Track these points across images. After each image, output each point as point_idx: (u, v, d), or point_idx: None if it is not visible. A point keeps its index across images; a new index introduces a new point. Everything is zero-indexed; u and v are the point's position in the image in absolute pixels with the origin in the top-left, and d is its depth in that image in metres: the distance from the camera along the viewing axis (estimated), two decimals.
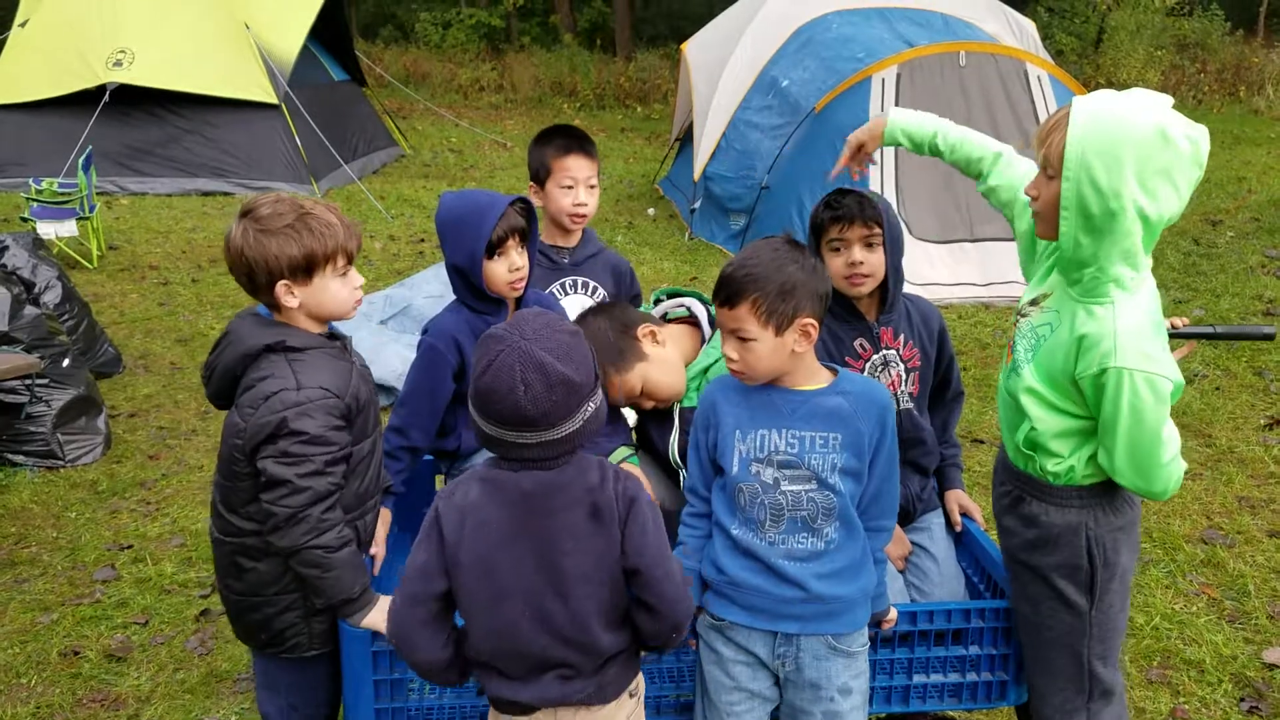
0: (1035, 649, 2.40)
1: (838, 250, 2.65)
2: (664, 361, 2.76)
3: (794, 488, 2.14)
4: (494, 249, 2.66)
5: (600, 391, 1.93)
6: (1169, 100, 2.07)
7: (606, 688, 2.00)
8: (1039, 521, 2.30)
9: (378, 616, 2.24)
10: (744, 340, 2.12)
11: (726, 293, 2.13)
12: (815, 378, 2.19)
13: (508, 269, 2.70)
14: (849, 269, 2.63)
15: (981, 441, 5.15)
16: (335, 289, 2.27)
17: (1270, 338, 2.45)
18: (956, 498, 2.90)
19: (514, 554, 1.89)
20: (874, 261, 2.66)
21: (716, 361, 2.65)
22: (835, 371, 2.21)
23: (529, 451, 1.87)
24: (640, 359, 2.74)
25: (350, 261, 2.29)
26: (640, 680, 2.11)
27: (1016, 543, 2.37)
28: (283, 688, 2.43)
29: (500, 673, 1.96)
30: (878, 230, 2.64)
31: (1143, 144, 1.99)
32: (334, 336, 2.37)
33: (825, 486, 2.13)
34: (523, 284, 2.77)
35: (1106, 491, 2.25)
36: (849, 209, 2.64)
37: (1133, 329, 2.07)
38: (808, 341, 2.13)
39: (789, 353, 2.12)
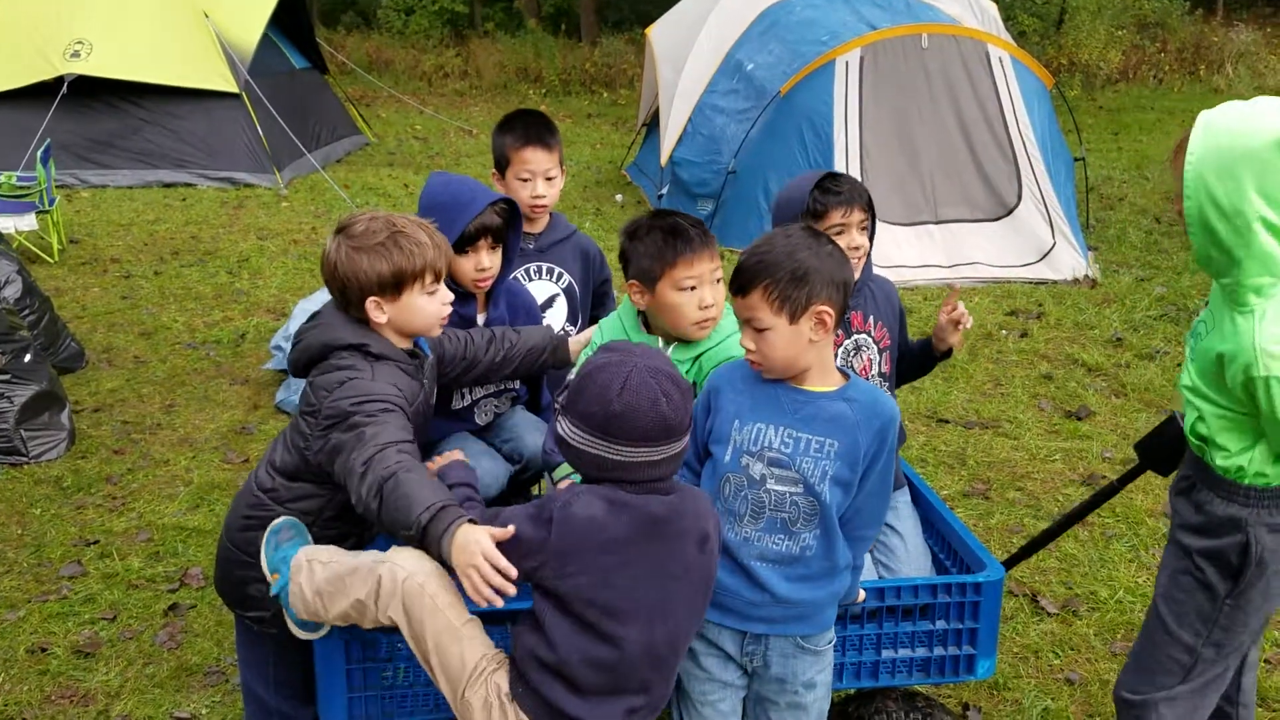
0: (1156, 617, 2.39)
1: (840, 234, 2.64)
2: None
3: (779, 488, 2.12)
4: (464, 245, 2.66)
5: None
6: None
7: None
8: (1204, 509, 2.27)
9: (466, 538, 1.92)
10: (759, 330, 2.10)
11: (740, 281, 2.11)
12: (826, 379, 2.17)
13: (474, 267, 2.70)
14: (850, 253, 2.61)
15: (946, 421, 5.20)
16: (422, 305, 2.33)
17: None
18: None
19: (632, 575, 1.93)
20: (866, 245, 2.73)
21: (706, 351, 2.61)
22: (847, 377, 2.19)
23: (658, 469, 1.92)
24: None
25: (439, 279, 2.34)
26: None
27: (1178, 522, 2.36)
28: (270, 661, 2.45)
29: (570, 684, 1.95)
30: (869, 215, 2.72)
31: (1260, 158, 1.97)
32: (414, 355, 2.41)
33: (811, 493, 2.11)
34: (488, 282, 2.78)
35: (1276, 497, 2.21)
36: (849, 194, 2.67)
37: (1273, 336, 2.04)
38: (824, 330, 2.09)
39: (805, 342, 2.09)
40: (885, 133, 7.78)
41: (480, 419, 2.92)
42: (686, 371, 2.63)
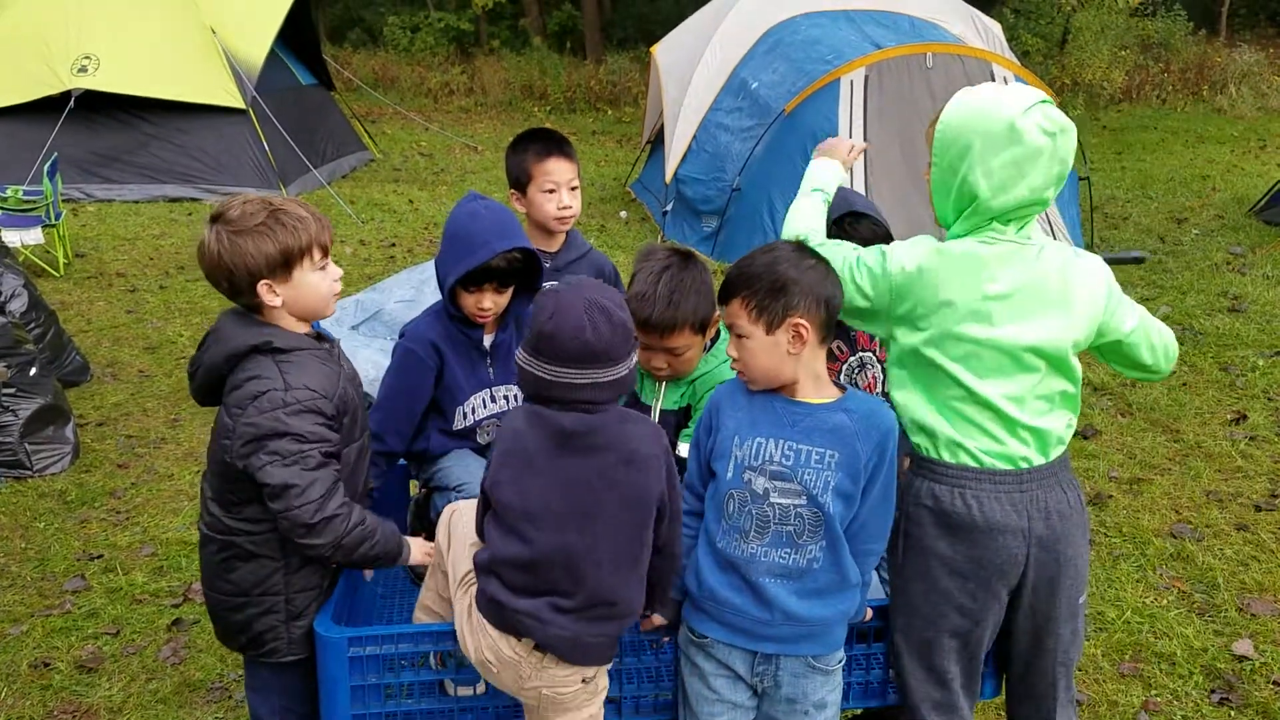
0: None
1: None
2: (700, 348, 2.67)
3: (783, 501, 2.12)
4: (469, 283, 2.63)
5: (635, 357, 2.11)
6: (1039, 95, 2.17)
7: (581, 648, 2.08)
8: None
9: (419, 551, 2.42)
10: (739, 338, 2.14)
11: (723, 290, 2.19)
12: (823, 392, 2.17)
13: (475, 305, 2.68)
14: None
15: None
16: (315, 282, 2.27)
17: (1140, 261, 2.52)
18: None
19: (545, 482, 2.06)
20: None
21: (700, 376, 2.64)
22: (844, 389, 2.20)
23: (580, 393, 2.03)
24: (713, 324, 2.66)
25: (326, 254, 2.29)
26: (603, 678, 2.20)
27: None
28: (275, 689, 2.42)
29: (501, 580, 2.10)
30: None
31: (990, 136, 2.14)
32: (320, 338, 2.35)
33: (815, 504, 2.11)
34: (488, 319, 2.74)
35: (924, 466, 2.26)
36: (861, 240, 2.69)
37: (915, 239, 2.26)
38: (800, 343, 2.10)
39: (783, 353, 2.10)
40: (889, 151, 7.80)
41: (482, 439, 2.90)
42: (681, 396, 2.67)
